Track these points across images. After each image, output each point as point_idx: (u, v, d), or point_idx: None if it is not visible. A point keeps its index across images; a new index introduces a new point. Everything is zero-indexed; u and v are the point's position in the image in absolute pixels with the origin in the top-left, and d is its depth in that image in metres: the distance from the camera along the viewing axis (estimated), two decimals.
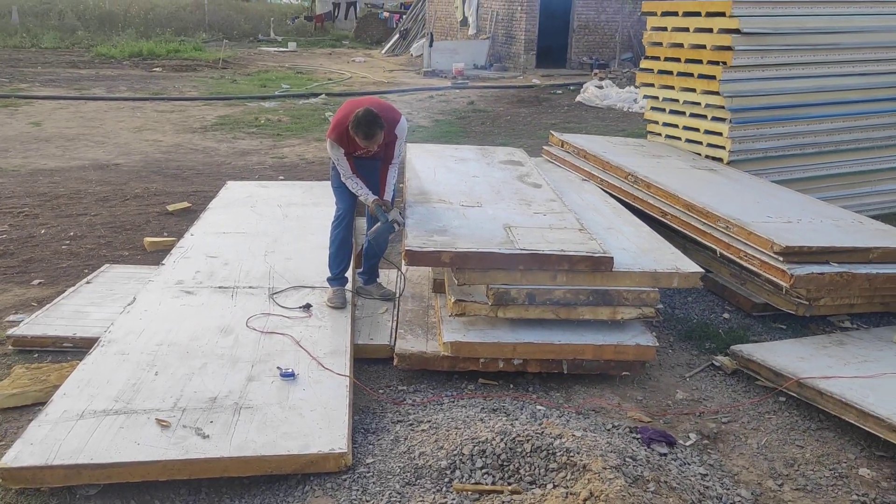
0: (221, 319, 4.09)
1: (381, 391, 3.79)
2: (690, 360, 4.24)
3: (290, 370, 3.53)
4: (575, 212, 4.76)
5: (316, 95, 14.65)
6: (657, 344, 3.94)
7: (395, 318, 4.35)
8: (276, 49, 24.93)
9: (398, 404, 3.63)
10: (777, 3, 6.32)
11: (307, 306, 4.33)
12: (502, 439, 3.02)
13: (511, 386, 3.88)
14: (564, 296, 3.90)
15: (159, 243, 5.80)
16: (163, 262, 4.94)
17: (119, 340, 3.80)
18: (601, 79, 16.22)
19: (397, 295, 4.67)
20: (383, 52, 24.61)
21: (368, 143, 4.09)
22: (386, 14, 29.53)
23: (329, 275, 4.47)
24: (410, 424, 3.38)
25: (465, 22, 22.28)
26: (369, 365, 4.06)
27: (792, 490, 3.09)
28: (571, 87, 16.18)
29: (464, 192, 5.06)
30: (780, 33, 6.28)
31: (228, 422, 3.12)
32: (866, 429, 3.27)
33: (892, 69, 6.78)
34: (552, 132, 7.11)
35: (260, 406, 3.26)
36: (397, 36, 25.12)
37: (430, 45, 19.51)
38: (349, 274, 4.59)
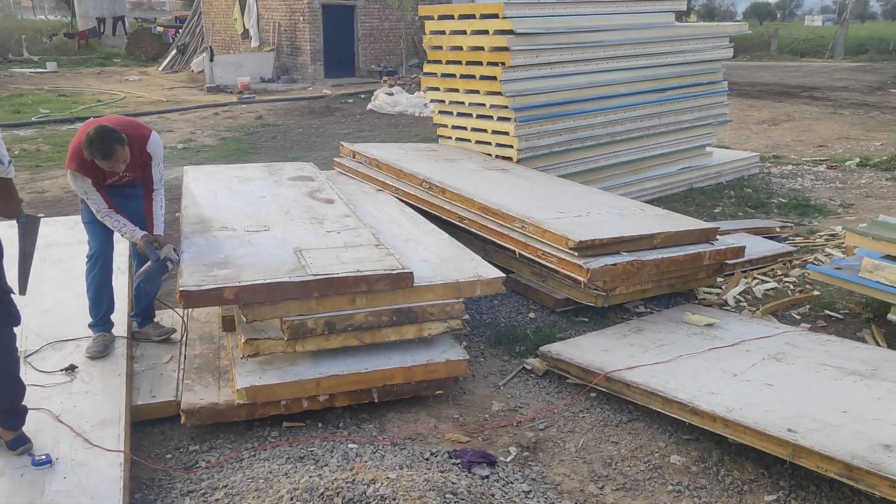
0: None
1: (168, 457, 3.27)
2: (503, 367, 4.15)
3: (46, 455, 2.91)
4: (371, 226, 4.50)
5: (82, 119, 13.19)
6: (467, 357, 3.79)
7: (182, 367, 3.83)
8: (31, 70, 22.34)
9: (189, 471, 3.14)
10: (545, 3, 6.53)
11: (70, 368, 3.65)
12: (310, 496, 2.67)
13: (320, 425, 3.53)
14: (366, 319, 3.62)
15: None
16: None
17: None
18: (391, 85, 16.23)
19: (183, 338, 4.13)
20: (161, 68, 22.98)
21: (111, 164, 3.45)
22: (160, 29, 27.65)
23: (90, 321, 3.86)
24: (203, 493, 2.92)
25: (246, 34, 21.41)
26: (154, 426, 3.52)
27: (613, 491, 3.04)
28: (362, 96, 16.02)
29: (249, 215, 4.62)
30: (550, 33, 6.48)
31: None
32: (671, 415, 3.33)
33: (651, 63, 7.29)
34: (343, 143, 6.82)
35: None
36: (175, 51, 23.58)
37: (212, 60, 18.45)
38: (118, 317, 3.99)
